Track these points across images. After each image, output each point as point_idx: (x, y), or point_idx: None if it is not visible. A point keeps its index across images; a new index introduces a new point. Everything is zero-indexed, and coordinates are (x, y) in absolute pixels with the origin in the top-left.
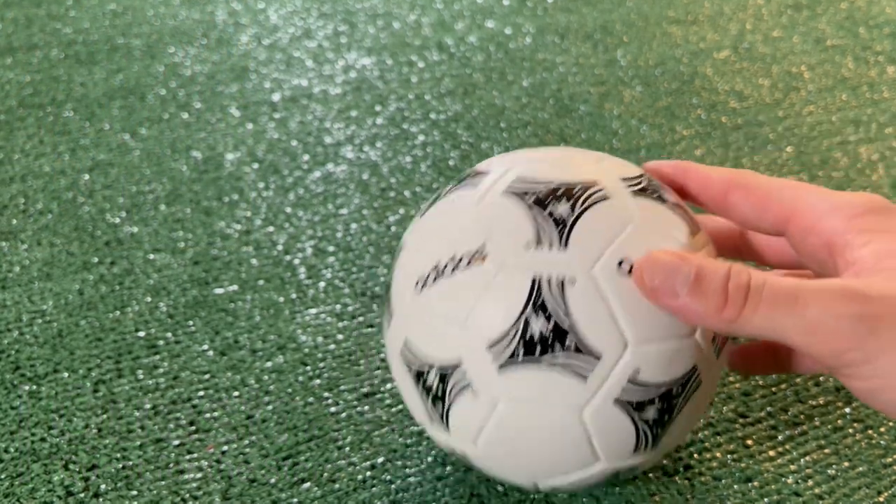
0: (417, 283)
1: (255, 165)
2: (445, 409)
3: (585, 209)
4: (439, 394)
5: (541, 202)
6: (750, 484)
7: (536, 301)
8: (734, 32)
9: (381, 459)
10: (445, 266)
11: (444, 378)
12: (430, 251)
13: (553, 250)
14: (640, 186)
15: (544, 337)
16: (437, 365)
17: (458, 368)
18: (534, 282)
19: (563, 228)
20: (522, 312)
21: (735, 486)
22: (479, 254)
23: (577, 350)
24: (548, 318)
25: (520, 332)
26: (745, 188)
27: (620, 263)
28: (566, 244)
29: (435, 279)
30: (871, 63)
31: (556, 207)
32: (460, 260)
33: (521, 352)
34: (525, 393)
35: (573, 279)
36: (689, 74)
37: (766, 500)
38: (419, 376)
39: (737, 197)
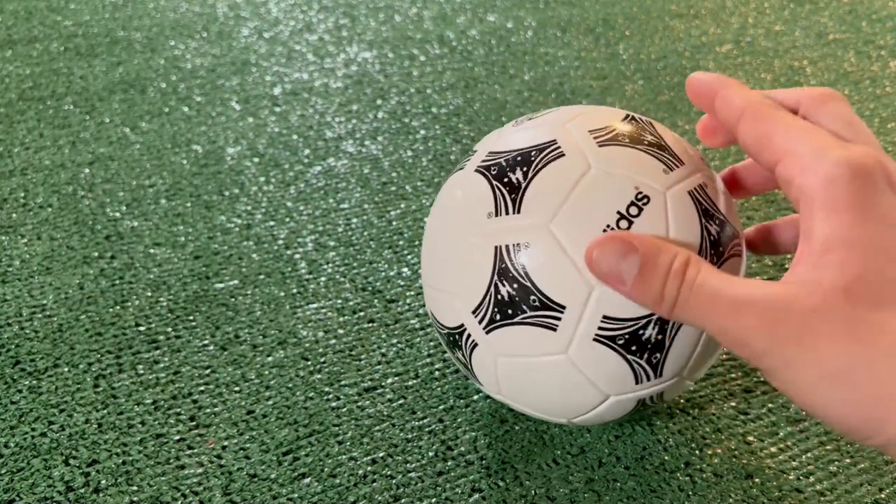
0: (430, 263)
1: (256, 159)
2: (469, 365)
3: (539, 171)
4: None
5: (501, 173)
6: (751, 480)
7: (500, 268)
8: (736, 26)
9: (381, 454)
10: (445, 246)
11: (459, 338)
12: (434, 237)
13: (509, 216)
14: (608, 136)
15: (512, 299)
16: (451, 329)
17: (464, 332)
18: (496, 250)
19: (517, 194)
20: (491, 280)
21: (736, 483)
22: (465, 231)
23: (542, 306)
24: (511, 282)
25: (492, 298)
26: (753, 119)
27: (576, 212)
28: (519, 209)
29: (436, 258)
30: (874, 58)
31: (513, 175)
32: (454, 239)
33: (498, 315)
34: (513, 348)
35: (527, 243)
36: (691, 68)
37: (767, 496)
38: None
39: (745, 126)
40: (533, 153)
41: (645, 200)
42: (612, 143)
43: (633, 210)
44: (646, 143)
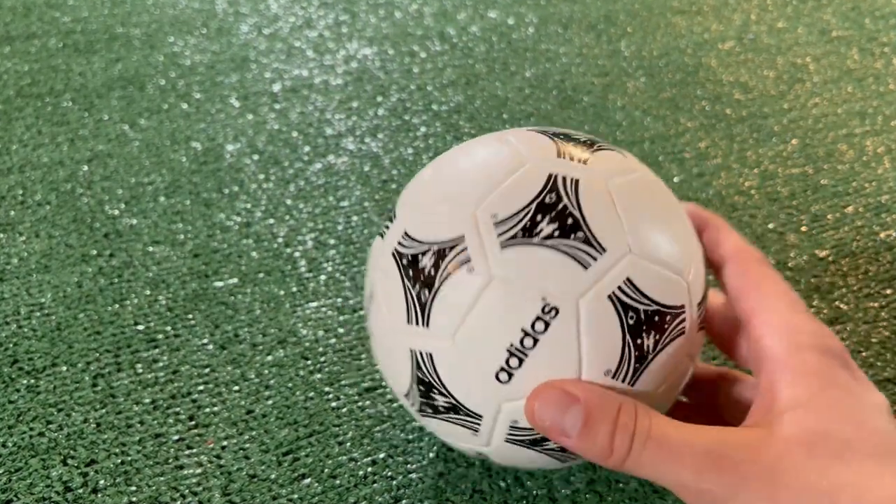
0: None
1: (256, 157)
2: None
3: (444, 280)
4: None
5: (414, 273)
6: None
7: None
8: (739, 23)
9: (382, 455)
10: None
11: (440, 256)
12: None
13: (419, 328)
14: (514, 229)
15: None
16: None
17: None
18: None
19: (424, 308)
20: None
21: None
22: (386, 327)
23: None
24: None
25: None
26: (738, 266)
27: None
28: (427, 323)
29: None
30: (877, 55)
31: (420, 284)
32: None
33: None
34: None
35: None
36: (693, 65)
37: None
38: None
39: (730, 270)
40: (441, 254)
41: (553, 313)
42: (517, 243)
43: (539, 325)
44: (559, 232)
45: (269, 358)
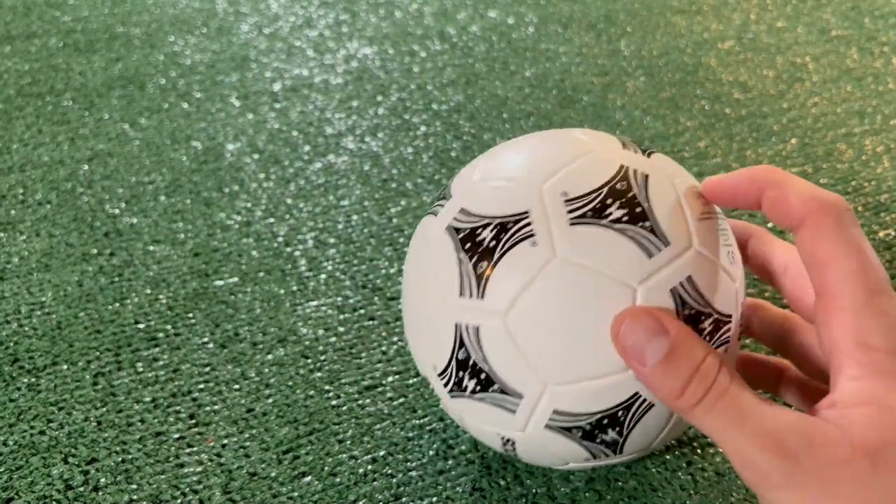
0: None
1: (256, 156)
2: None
3: (504, 253)
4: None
5: (472, 246)
6: None
7: (623, 179)
8: (738, 22)
9: (382, 453)
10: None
11: (503, 229)
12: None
13: (472, 299)
14: (584, 208)
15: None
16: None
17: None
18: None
19: (481, 280)
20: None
21: (738, 482)
22: (433, 300)
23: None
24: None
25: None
26: (813, 230)
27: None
28: (482, 295)
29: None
30: (877, 54)
31: (480, 255)
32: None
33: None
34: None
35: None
36: (692, 65)
37: None
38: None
39: (803, 236)
40: (503, 227)
41: (610, 297)
42: (586, 222)
43: (596, 307)
44: (627, 217)
45: (270, 356)
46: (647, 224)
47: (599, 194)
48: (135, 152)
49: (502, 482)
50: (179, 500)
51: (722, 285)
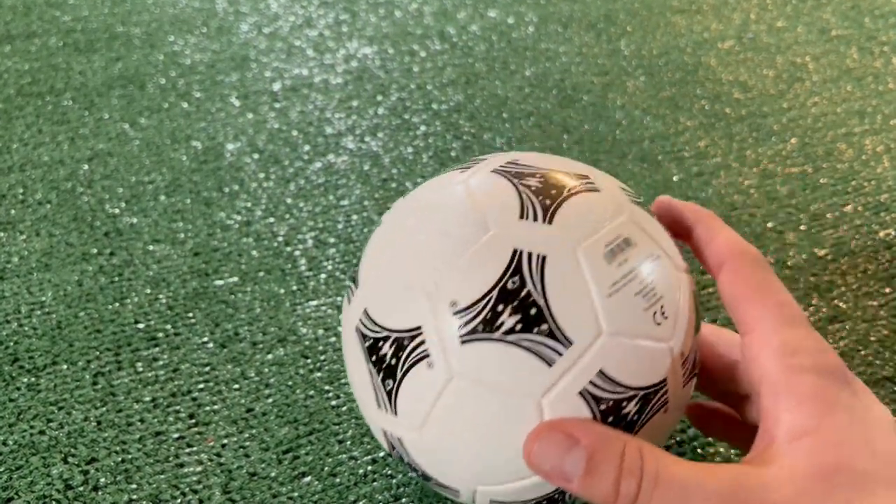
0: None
1: (256, 156)
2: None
3: (405, 375)
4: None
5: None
6: None
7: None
8: (738, 22)
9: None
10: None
11: (399, 347)
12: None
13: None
14: (473, 322)
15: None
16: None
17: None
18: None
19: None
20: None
21: None
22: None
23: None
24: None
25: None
26: (733, 272)
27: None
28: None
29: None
30: (877, 54)
31: (384, 373)
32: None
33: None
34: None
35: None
36: (692, 65)
37: None
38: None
39: (724, 277)
40: (399, 345)
41: (515, 412)
42: (478, 338)
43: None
44: (521, 325)
45: (270, 356)
46: (545, 328)
47: (489, 300)
48: (135, 152)
49: None
50: (179, 500)
51: (645, 358)
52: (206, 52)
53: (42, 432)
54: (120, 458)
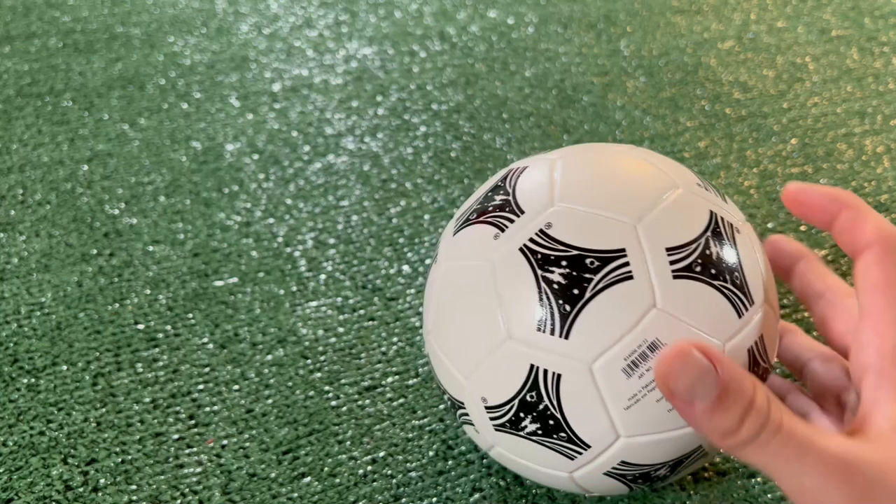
0: (446, 328)
1: (256, 156)
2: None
3: (597, 293)
4: (455, 414)
5: (554, 276)
6: (754, 479)
7: (532, 388)
8: (738, 22)
9: (382, 454)
10: (464, 313)
11: (455, 407)
12: (454, 303)
13: (554, 337)
14: (687, 261)
15: (535, 420)
16: (449, 395)
17: (462, 408)
18: (532, 368)
19: (566, 319)
20: (519, 393)
21: (739, 482)
22: (488, 323)
23: (569, 440)
24: (541, 406)
25: (514, 410)
26: (877, 261)
27: (627, 361)
28: (568, 335)
29: (455, 331)
30: (877, 54)
31: (567, 285)
32: (470, 323)
33: (514, 425)
34: (517, 451)
35: (569, 374)
36: (692, 65)
37: (769, 495)
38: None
39: (867, 258)
40: (595, 261)
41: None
42: (689, 276)
43: None
44: (724, 276)
45: (269, 357)
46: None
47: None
48: (134, 153)
49: (502, 482)
50: (179, 501)
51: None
52: (205, 52)
53: (42, 433)
54: (120, 459)
